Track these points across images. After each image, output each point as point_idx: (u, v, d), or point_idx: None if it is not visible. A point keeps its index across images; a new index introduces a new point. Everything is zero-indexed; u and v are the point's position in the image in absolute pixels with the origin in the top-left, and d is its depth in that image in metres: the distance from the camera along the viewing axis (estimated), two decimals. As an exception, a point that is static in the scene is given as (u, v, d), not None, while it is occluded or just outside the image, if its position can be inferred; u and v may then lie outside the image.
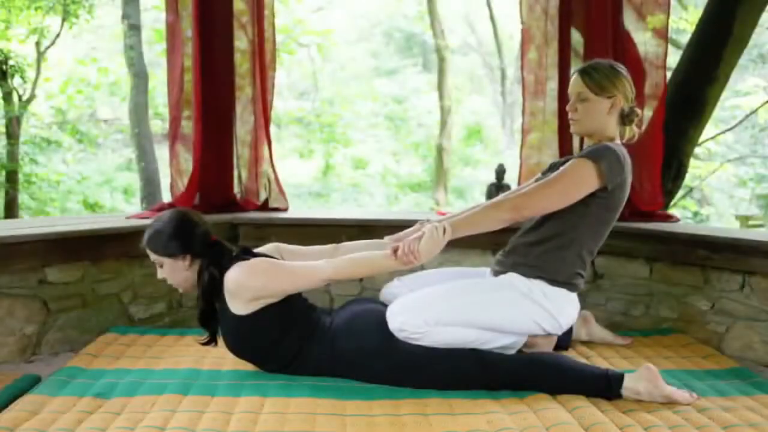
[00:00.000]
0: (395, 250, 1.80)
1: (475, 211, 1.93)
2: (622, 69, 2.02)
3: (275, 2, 3.29)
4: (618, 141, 2.03)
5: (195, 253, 1.87)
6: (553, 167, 2.23)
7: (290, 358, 1.90)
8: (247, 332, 1.86)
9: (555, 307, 1.93)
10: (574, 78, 2.02)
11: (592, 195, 1.90)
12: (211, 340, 1.96)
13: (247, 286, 1.79)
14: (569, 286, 1.97)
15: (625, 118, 2.01)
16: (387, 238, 2.12)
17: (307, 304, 1.98)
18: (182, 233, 1.85)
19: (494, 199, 2.01)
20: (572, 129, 2.05)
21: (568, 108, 2.03)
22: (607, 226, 2.01)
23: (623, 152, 1.94)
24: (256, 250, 2.02)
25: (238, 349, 1.93)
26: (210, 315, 1.90)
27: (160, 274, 1.90)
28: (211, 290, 1.85)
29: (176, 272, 1.88)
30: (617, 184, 1.91)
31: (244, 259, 1.86)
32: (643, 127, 2.83)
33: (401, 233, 2.12)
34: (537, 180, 2.11)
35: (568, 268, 1.96)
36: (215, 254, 1.87)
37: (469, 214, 1.93)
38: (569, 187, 1.88)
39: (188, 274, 1.89)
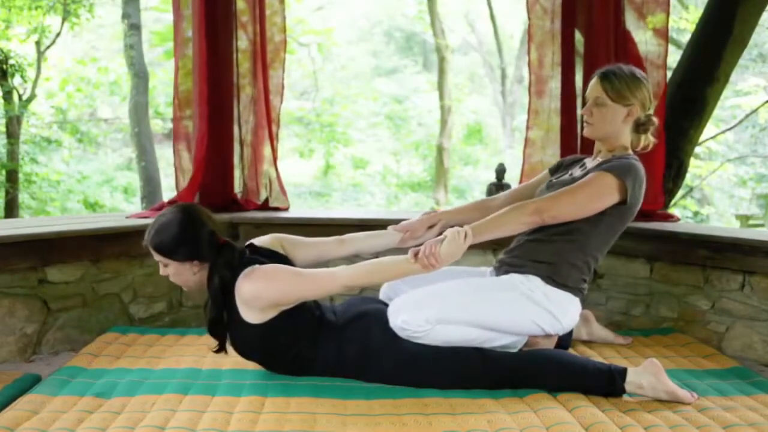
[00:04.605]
0: (416, 254, 1.75)
1: (497, 214, 1.91)
2: (643, 77, 2.01)
3: (282, 4, 3.28)
4: (630, 150, 2.04)
5: (203, 258, 1.80)
6: (561, 167, 2.23)
7: (301, 360, 1.88)
8: (258, 339, 1.81)
9: (558, 308, 1.93)
10: (593, 82, 2.02)
11: (609, 206, 1.93)
12: (222, 349, 1.88)
13: (264, 296, 1.73)
14: (574, 290, 1.97)
15: (640, 127, 2.02)
16: (390, 228, 2.13)
17: (316, 304, 1.94)
18: (190, 237, 1.78)
19: (518, 203, 1.97)
20: (585, 132, 2.05)
21: (583, 111, 2.04)
22: (616, 236, 2.04)
23: (642, 166, 1.97)
24: (256, 241, 1.98)
25: (248, 354, 1.90)
26: (221, 323, 1.82)
27: (163, 272, 1.84)
28: (223, 297, 1.78)
29: (182, 275, 1.82)
30: (636, 200, 1.94)
31: (255, 263, 1.79)
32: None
33: (406, 222, 2.13)
34: (549, 184, 2.12)
35: (577, 273, 1.96)
36: (225, 258, 1.79)
37: (491, 217, 1.90)
38: (593, 197, 1.90)
39: (195, 278, 1.83)
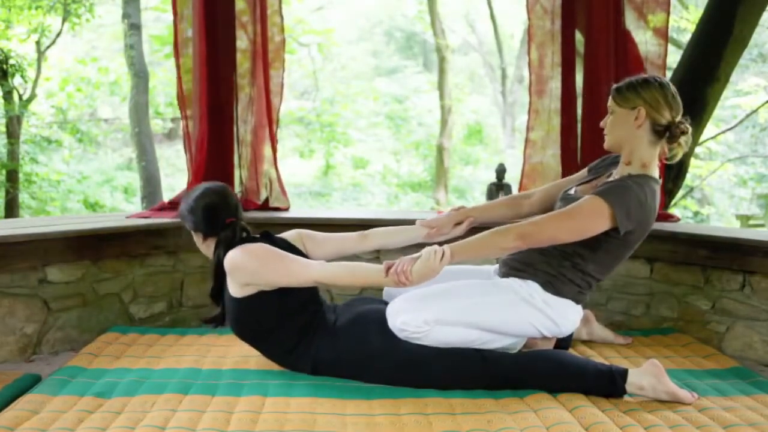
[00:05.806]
0: (388, 268, 1.75)
1: (478, 237, 1.85)
2: (657, 80, 1.89)
3: (281, 3, 3.28)
4: (651, 167, 1.90)
5: (206, 233, 1.95)
6: (597, 167, 2.15)
7: (288, 349, 1.91)
8: (242, 315, 1.90)
9: (557, 314, 1.92)
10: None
11: (604, 233, 1.84)
12: (215, 319, 1.99)
13: (240, 268, 1.83)
14: (573, 300, 1.96)
15: (663, 133, 1.86)
16: (418, 222, 2.13)
17: (313, 298, 1.97)
18: (196, 211, 1.93)
19: (500, 227, 1.86)
20: (605, 144, 1.96)
21: (601, 124, 1.97)
22: (620, 260, 1.97)
23: (647, 190, 1.84)
24: (278, 236, 2.03)
25: (236, 330, 1.97)
26: (219, 294, 1.95)
27: None
28: (219, 269, 1.90)
29: (196, 242, 2.01)
30: (633, 228, 1.83)
31: (252, 242, 1.90)
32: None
33: (433, 218, 2.13)
34: (563, 196, 2.07)
35: (575, 287, 1.95)
36: (226, 235, 1.91)
37: (472, 239, 1.85)
38: (580, 224, 1.81)
39: (203, 247, 1.99)
